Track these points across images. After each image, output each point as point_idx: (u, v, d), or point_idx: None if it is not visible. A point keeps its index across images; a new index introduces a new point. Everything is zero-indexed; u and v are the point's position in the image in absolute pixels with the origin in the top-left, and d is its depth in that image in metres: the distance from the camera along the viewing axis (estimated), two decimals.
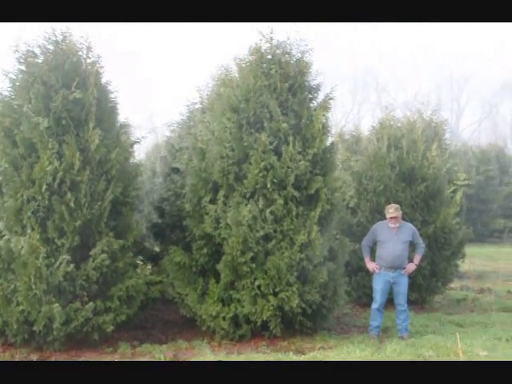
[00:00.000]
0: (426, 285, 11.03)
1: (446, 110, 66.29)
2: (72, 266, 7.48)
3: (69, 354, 7.64)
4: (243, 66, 8.56)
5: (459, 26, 71.27)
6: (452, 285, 12.72)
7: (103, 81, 8.21)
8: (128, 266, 8.16)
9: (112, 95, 8.33)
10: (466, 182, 15.26)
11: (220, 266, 8.22)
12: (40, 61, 7.90)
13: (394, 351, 7.44)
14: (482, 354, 7.18)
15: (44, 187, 7.48)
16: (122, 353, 7.73)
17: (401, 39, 76.99)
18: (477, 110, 65.83)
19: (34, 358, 7.46)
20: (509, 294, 12.62)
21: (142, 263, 9.03)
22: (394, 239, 8.58)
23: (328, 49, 68.81)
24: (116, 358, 7.52)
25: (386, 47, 76.55)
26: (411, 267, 8.71)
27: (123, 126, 8.50)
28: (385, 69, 73.20)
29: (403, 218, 9.33)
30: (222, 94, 8.66)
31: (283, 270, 7.95)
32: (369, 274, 9.17)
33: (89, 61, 8.06)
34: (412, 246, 8.90)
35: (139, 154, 23.63)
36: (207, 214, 8.35)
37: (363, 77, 61.40)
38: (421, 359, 7.07)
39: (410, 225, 8.98)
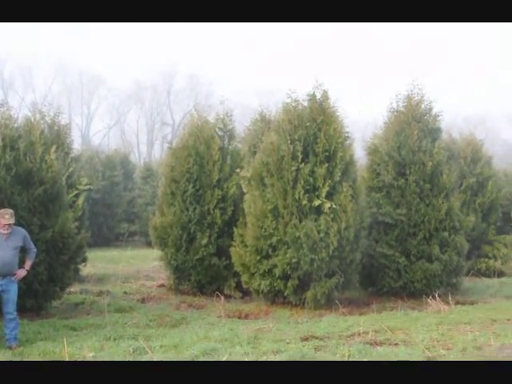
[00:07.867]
0: (44, 290, 10.76)
1: (76, 114, 66.95)
2: None
3: None
4: None
5: None
6: (72, 289, 12.70)
7: None
8: None
9: None
10: (88, 186, 15.37)
11: None
12: None
13: None
14: (89, 356, 7.31)
15: None
16: None
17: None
18: (106, 116, 67.98)
19: None
20: (125, 295, 13.14)
21: None
22: (3, 246, 8.20)
23: None
24: None
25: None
26: (22, 273, 8.43)
27: None
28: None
29: (19, 223, 8.98)
30: None
31: None
32: None
33: None
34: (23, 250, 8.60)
35: None
36: None
37: None
38: None
39: (22, 229, 8.68)
